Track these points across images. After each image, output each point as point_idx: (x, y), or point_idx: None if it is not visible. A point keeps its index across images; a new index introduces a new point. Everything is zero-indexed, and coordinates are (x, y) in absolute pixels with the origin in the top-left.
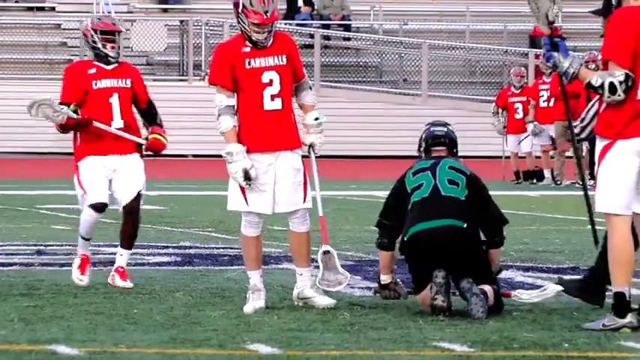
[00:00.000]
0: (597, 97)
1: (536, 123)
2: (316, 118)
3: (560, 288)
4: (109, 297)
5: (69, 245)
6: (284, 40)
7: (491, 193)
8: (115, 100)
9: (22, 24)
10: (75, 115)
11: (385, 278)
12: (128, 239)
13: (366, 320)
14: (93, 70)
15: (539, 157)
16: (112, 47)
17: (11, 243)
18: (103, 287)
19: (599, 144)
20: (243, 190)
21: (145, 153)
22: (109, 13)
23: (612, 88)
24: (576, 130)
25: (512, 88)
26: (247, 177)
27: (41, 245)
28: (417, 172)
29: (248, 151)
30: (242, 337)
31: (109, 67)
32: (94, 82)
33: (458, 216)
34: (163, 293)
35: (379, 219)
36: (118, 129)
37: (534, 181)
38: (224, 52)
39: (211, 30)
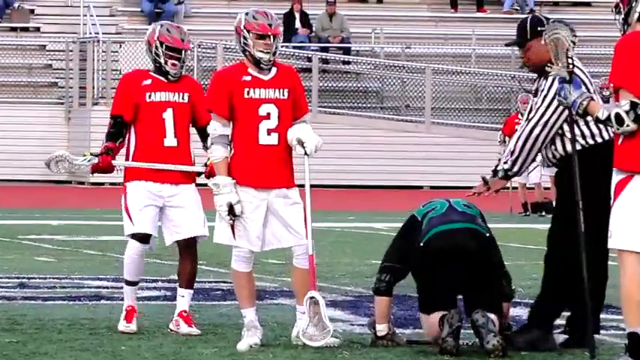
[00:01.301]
0: (521, 125)
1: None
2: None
3: (566, 337)
4: (95, 333)
5: (52, 278)
6: (288, 74)
7: (498, 226)
8: (168, 115)
9: (5, 45)
10: (87, 163)
11: (382, 329)
12: (189, 279)
13: (366, 359)
14: (148, 82)
15: (548, 189)
16: (174, 65)
17: None
18: (89, 322)
19: (616, 177)
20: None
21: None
22: (97, 33)
23: (619, 120)
24: (507, 166)
25: (520, 116)
26: (232, 212)
27: (24, 278)
28: (427, 203)
29: (239, 184)
30: None
31: (166, 80)
32: (147, 95)
33: (480, 225)
34: (152, 329)
35: (383, 260)
36: (169, 148)
37: (543, 213)
38: (223, 78)
39: (204, 52)
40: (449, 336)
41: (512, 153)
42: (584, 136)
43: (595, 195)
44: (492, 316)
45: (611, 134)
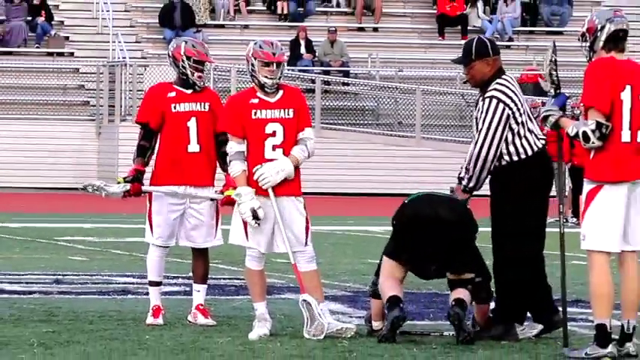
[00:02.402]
0: (471, 146)
1: None
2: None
3: (540, 327)
4: (122, 324)
5: (84, 275)
6: (294, 95)
7: (481, 229)
8: (192, 123)
9: (42, 68)
10: (119, 192)
11: (378, 325)
12: (203, 276)
13: (363, 348)
14: (173, 94)
15: None
16: (200, 77)
17: (31, 272)
18: (117, 314)
19: (587, 186)
20: (245, 225)
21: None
22: (124, 58)
23: (586, 137)
24: (464, 182)
25: None
26: (255, 216)
27: (59, 275)
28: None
29: (254, 192)
30: None
31: (189, 92)
32: (172, 106)
33: (456, 200)
34: (173, 320)
35: (378, 264)
36: (192, 154)
37: None
38: (234, 102)
39: (219, 75)
40: (388, 332)
41: (467, 171)
42: (517, 153)
43: (523, 202)
44: (464, 293)
45: (535, 150)
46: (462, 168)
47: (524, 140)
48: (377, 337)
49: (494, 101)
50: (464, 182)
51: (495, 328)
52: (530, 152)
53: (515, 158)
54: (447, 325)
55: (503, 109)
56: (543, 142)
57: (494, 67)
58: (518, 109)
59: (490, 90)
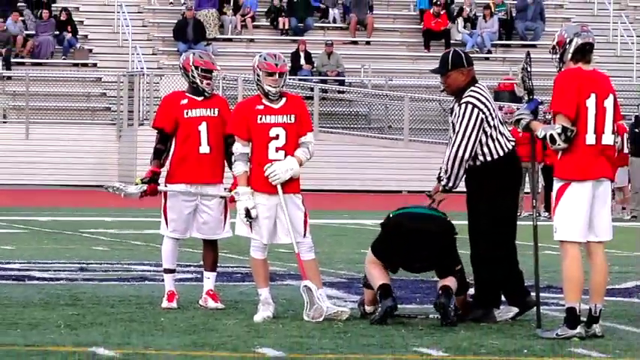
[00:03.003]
0: (448, 148)
1: None
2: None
3: (515, 310)
4: (140, 307)
5: (106, 263)
6: (295, 102)
7: (461, 222)
8: (203, 127)
9: (68, 77)
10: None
11: (370, 309)
12: (212, 264)
13: (356, 329)
14: (185, 101)
15: None
16: (208, 84)
17: (58, 261)
18: (135, 299)
19: (557, 184)
20: None
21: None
22: (142, 68)
23: (552, 139)
24: (443, 182)
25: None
26: (248, 215)
27: (83, 263)
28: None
29: (256, 190)
30: (252, 342)
31: (200, 99)
32: (185, 112)
33: (437, 212)
34: (186, 304)
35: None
36: (203, 155)
37: None
38: (241, 108)
39: (227, 84)
40: (380, 318)
41: (446, 172)
42: (490, 154)
43: (495, 200)
44: (450, 281)
45: (506, 151)
46: (440, 169)
47: (496, 142)
48: (369, 320)
49: (470, 106)
50: (443, 182)
51: (475, 312)
52: (501, 153)
53: (489, 159)
54: (433, 309)
55: (478, 114)
56: (513, 144)
57: (469, 77)
58: (491, 114)
59: (465, 97)
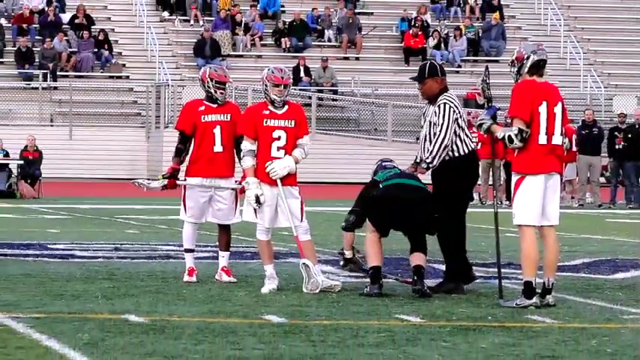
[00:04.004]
0: (435, 138)
1: None
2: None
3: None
4: (165, 281)
5: (137, 244)
6: (296, 109)
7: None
8: (217, 130)
9: (105, 87)
10: (159, 186)
11: (349, 254)
12: (226, 244)
13: (347, 299)
14: (202, 108)
15: None
16: (221, 93)
17: (97, 242)
18: (161, 274)
19: (514, 177)
20: None
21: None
22: (167, 80)
23: (510, 140)
24: (429, 160)
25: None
26: (257, 200)
27: (118, 244)
28: (385, 171)
29: (261, 182)
30: (260, 310)
31: (214, 106)
32: (202, 117)
33: (424, 185)
34: (204, 279)
35: (353, 208)
36: (217, 153)
37: None
38: (250, 112)
39: (239, 93)
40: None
41: (432, 154)
42: (457, 150)
43: (454, 189)
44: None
45: (468, 149)
46: (416, 157)
47: (463, 142)
48: (358, 293)
49: (447, 106)
50: (428, 160)
51: (447, 285)
52: (466, 150)
53: (456, 154)
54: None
55: (453, 112)
56: (475, 145)
57: (442, 85)
58: (460, 116)
59: (441, 99)
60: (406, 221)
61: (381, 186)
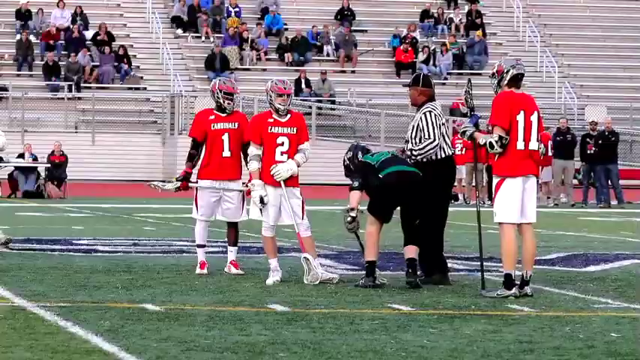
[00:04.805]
0: (426, 138)
1: None
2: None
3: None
4: (179, 274)
5: (154, 240)
6: (298, 118)
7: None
8: (226, 137)
9: (124, 98)
10: (172, 188)
11: (354, 213)
12: (234, 240)
13: (344, 290)
14: (212, 117)
15: (455, 186)
16: (229, 103)
17: (117, 238)
18: (175, 267)
19: (495, 179)
20: None
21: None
22: (181, 90)
23: (491, 146)
24: (415, 152)
25: (459, 135)
26: (262, 201)
27: (136, 240)
28: (375, 154)
29: (266, 184)
30: (265, 299)
31: (224, 115)
32: (212, 125)
33: (412, 167)
34: (214, 271)
35: (353, 176)
36: (226, 157)
37: (452, 201)
38: (256, 120)
39: (246, 103)
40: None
41: (421, 150)
42: (437, 153)
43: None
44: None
45: (448, 154)
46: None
47: (443, 147)
48: (354, 284)
49: (433, 113)
50: (415, 153)
51: (435, 276)
52: (443, 155)
53: (433, 157)
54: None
55: (437, 117)
56: (452, 151)
57: (428, 95)
58: (443, 124)
59: (426, 107)
60: (408, 203)
61: (380, 175)
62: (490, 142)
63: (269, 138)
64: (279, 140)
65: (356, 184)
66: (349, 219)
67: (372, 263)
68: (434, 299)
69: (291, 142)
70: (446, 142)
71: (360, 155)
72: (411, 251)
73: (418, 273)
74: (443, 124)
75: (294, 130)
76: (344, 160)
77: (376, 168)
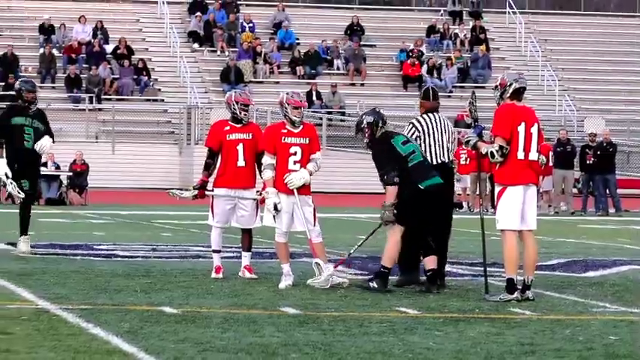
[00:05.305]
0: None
1: (457, 174)
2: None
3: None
4: (195, 278)
5: (171, 245)
6: (310, 129)
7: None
8: (240, 147)
9: (143, 109)
10: (190, 195)
11: (390, 205)
12: (248, 245)
13: (354, 294)
14: (227, 127)
15: (459, 194)
16: (245, 114)
17: (136, 243)
18: (192, 271)
19: (497, 188)
20: None
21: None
22: (197, 102)
23: (492, 155)
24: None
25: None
26: (275, 208)
27: (154, 245)
28: (404, 143)
29: (279, 191)
30: (278, 303)
31: (238, 126)
32: (227, 135)
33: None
34: (229, 276)
35: (388, 169)
36: (240, 167)
37: (457, 209)
38: (270, 131)
39: (259, 114)
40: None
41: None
42: (432, 158)
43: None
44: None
45: (437, 161)
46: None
47: (437, 154)
48: (364, 287)
49: (411, 125)
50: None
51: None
52: (438, 161)
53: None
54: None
55: (413, 129)
56: (445, 159)
57: (425, 107)
58: (424, 132)
59: (413, 119)
60: (438, 216)
61: (421, 187)
62: (491, 152)
63: (282, 148)
64: (292, 150)
65: (395, 179)
66: (389, 214)
67: (388, 270)
68: (439, 303)
69: (303, 151)
70: (437, 150)
71: (380, 124)
72: (432, 262)
73: (438, 283)
74: (420, 134)
75: (307, 141)
76: (361, 122)
77: (410, 168)
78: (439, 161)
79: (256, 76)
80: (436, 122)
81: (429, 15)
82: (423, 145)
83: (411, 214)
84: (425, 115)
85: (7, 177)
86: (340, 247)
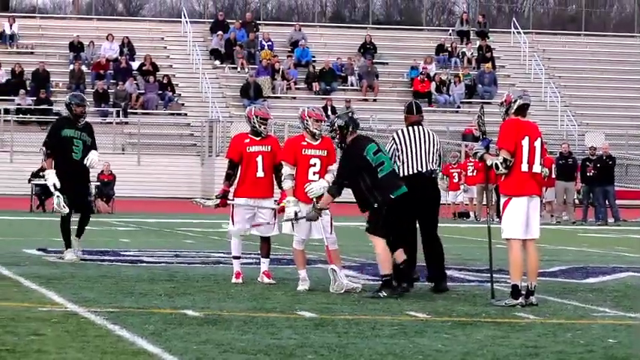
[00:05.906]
0: None
1: (465, 185)
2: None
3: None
4: (216, 282)
5: (194, 252)
6: (327, 142)
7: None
8: (259, 159)
9: (167, 123)
10: (212, 204)
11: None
12: (267, 252)
13: (366, 298)
14: (247, 140)
15: (467, 204)
16: (264, 127)
17: (160, 250)
18: (213, 277)
19: (503, 198)
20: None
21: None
22: (219, 116)
23: (496, 167)
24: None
25: (451, 164)
26: (296, 217)
27: (177, 251)
28: (376, 153)
29: (299, 201)
30: (294, 307)
31: (258, 138)
32: (247, 147)
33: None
34: (248, 281)
35: (340, 181)
36: (259, 177)
37: (464, 218)
38: (291, 143)
39: (277, 127)
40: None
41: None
42: (399, 170)
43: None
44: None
45: (412, 171)
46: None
47: (403, 164)
48: (373, 294)
49: (391, 138)
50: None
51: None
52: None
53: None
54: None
55: (392, 143)
56: (422, 169)
57: (409, 120)
58: (402, 144)
59: (393, 132)
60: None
61: (392, 196)
62: (496, 164)
63: (303, 159)
64: (312, 161)
65: (336, 193)
66: (315, 214)
67: (388, 278)
68: (448, 307)
69: (322, 163)
70: (403, 163)
71: (351, 128)
72: (400, 255)
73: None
74: (398, 147)
75: (325, 153)
76: (333, 123)
77: (380, 179)
78: (415, 171)
79: (274, 91)
80: (416, 135)
81: (438, 34)
82: (400, 156)
83: (383, 223)
84: (404, 129)
85: (56, 188)
86: (354, 254)
